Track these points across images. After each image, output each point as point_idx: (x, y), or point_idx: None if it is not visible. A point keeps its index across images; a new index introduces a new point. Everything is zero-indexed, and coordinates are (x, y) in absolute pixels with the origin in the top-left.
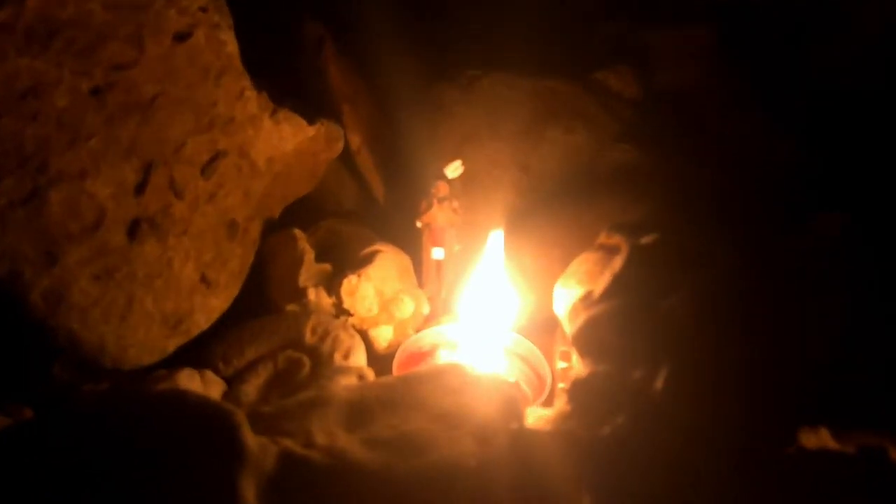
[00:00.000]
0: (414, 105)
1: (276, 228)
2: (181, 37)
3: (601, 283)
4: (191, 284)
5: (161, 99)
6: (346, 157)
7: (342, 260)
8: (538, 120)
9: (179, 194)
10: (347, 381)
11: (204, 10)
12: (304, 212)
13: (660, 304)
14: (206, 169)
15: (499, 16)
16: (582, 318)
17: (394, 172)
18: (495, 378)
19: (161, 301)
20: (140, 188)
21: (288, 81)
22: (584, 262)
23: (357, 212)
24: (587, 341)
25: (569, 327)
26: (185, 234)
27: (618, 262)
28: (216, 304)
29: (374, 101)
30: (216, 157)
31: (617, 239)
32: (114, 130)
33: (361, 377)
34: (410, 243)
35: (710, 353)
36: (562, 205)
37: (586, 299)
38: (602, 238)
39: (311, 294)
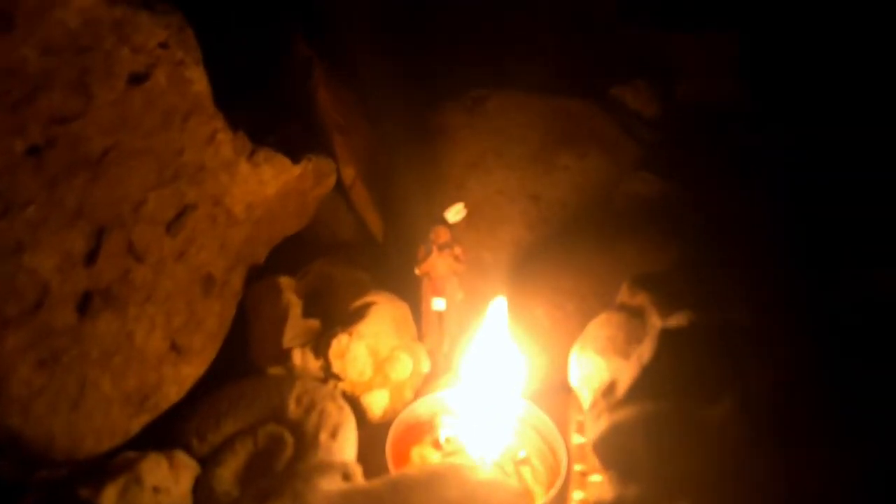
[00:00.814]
0: (414, 130)
1: (262, 272)
2: (137, 79)
3: (627, 374)
4: (158, 355)
5: (114, 153)
6: (342, 184)
7: (333, 310)
8: (549, 144)
9: (140, 257)
10: (330, 483)
11: (164, 46)
12: (295, 246)
13: (702, 415)
14: (173, 225)
15: (506, 28)
16: (605, 422)
17: (392, 205)
18: (501, 485)
19: (121, 380)
20: (91, 257)
21: (274, 110)
22: (605, 325)
23: (354, 244)
24: (612, 452)
25: (589, 425)
26: (150, 301)
27: (647, 351)
28: (189, 373)
29: (370, 126)
30: (184, 212)
31: (641, 298)
32: (56, 194)
33: (346, 476)
34: (411, 282)
35: (768, 488)
36: (576, 243)
37: (609, 394)
38: (623, 295)
39: (297, 356)
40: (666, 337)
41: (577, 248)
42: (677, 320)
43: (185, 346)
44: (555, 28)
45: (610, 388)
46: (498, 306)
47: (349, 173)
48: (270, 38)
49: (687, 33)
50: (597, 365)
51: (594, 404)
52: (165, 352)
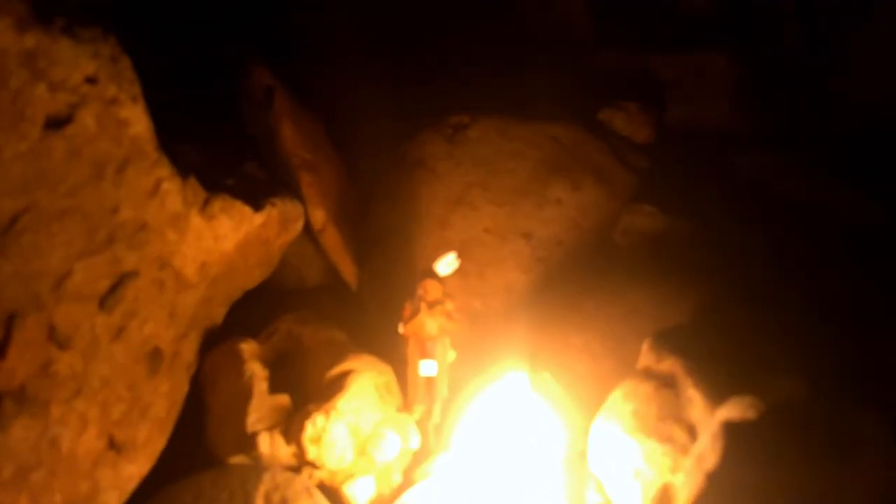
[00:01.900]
0: (390, 163)
1: (220, 332)
2: (58, 123)
3: (685, 480)
4: (93, 457)
5: (28, 217)
6: (310, 227)
7: (304, 379)
8: (539, 174)
9: (65, 344)
10: None
11: (92, 80)
12: (257, 295)
13: None
14: (108, 299)
15: (483, 54)
16: None
17: (367, 248)
18: None
19: (43, 497)
20: None
21: (231, 148)
22: (630, 397)
23: (324, 290)
24: None
25: None
26: (79, 395)
27: (709, 452)
28: (132, 472)
29: (342, 161)
30: (121, 282)
31: (670, 364)
32: None
33: None
34: (390, 334)
35: None
36: (579, 289)
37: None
38: (647, 358)
39: (264, 442)
40: (732, 434)
41: (582, 295)
42: (740, 410)
43: (127, 441)
44: (534, 53)
45: (665, 499)
46: (517, 382)
47: (319, 216)
48: (225, 67)
49: (674, 55)
50: (625, 447)
51: None
52: (101, 452)
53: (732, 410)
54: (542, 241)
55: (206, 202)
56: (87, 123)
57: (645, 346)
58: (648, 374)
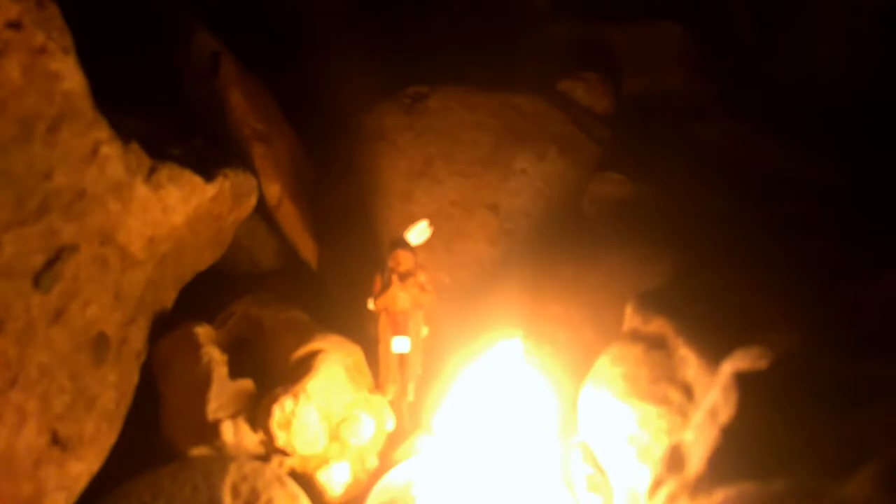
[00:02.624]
0: (348, 136)
1: (171, 320)
2: None
3: (699, 437)
4: (34, 455)
5: None
6: (260, 202)
7: (267, 363)
8: (503, 145)
9: None
10: None
11: (16, 26)
12: (208, 281)
13: (838, 496)
14: (43, 277)
15: (441, 23)
16: None
17: (326, 225)
18: None
19: None
20: None
21: (176, 117)
22: (619, 361)
23: (280, 273)
24: None
25: None
26: (15, 386)
27: (723, 406)
28: (81, 470)
29: (298, 134)
30: (59, 256)
31: (658, 324)
32: None
33: None
34: (357, 315)
35: None
36: (551, 259)
37: (678, 467)
38: (633, 320)
39: (228, 430)
40: (748, 385)
41: (555, 265)
42: (750, 361)
43: (73, 437)
44: (488, 22)
45: (675, 457)
46: (510, 348)
47: (274, 190)
48: (168, 29)
49: (630, 25)
50: (617, 412)
51: (657, 482)
52: (44, 449)
53: (742, 361)
54: (510, 212)
55: (152, 170)
56: (11, 74)
57: (629, 309)
58: (636, 337)
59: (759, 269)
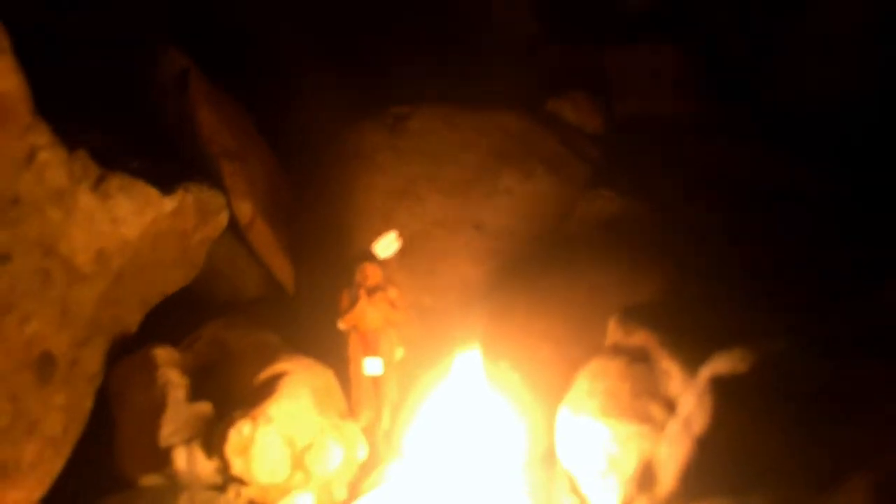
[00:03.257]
0: (328, 156)
1: (135, 344)
2: None
3: (672, 451)
4: None
5: None
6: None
7: (232, 386)
8: (488, 164)
9: None
10: None
11: None
12: (186, 309)
13: None
14: None
15: (426, 44)
16: None
17: (303, 247)
18: None
19: None
20: None
21: (140, 134)
22: (600, 376)
23: (263, 301)
24: None
25: None
26: None
27: (696, 415)
28: (18, 498)
29: (277, 153)
30: None
31: (641, 336)
32: None
33: None
34: (334, 341)
35: None
36: (537, 277)
37: (649, 483)
38: (615, 334)
39: (181, 457)
40: (723, 390)
41: (540, 283)
42: (729, 364)
43: (10, 462)
44: (478, 46)
45: (647, 474)
46: (468, 360)
47: (245, 209)
48: (139, 46)
49: (621, 47)
50: (596, 433)
51: (627, 502)
52: None
53: (720, 365)
54: (495, 231)
55: (101, 179)
56: None
57: (612, 323)
58: (617, 351)
59: (748, 280)
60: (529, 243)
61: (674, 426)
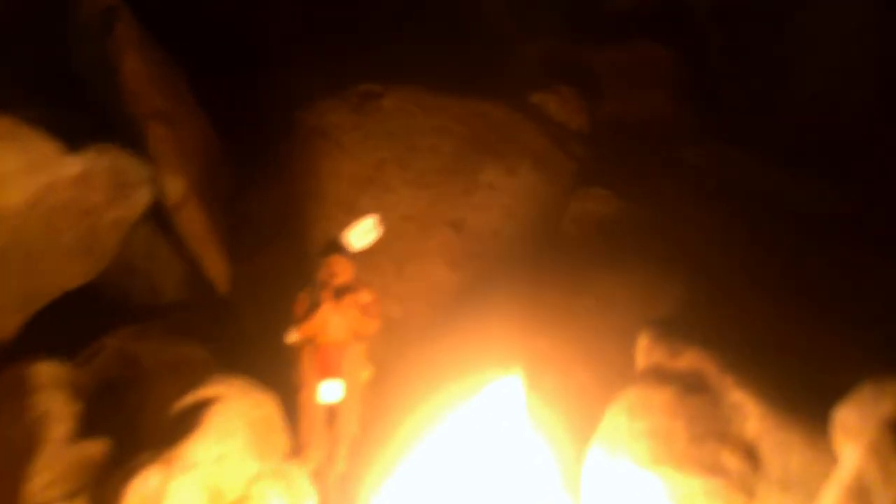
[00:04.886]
0: (284, 133)
1: (11, 354)
2: None
3: None
4: None
5: None
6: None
7: (140, 419)
8: (467, 155)
9: None
10: None
11: None
12: (87, 313)
13: None
14: None
15: (405, 30)
16: None
17: (244, 238)
18: None
19: None
20: None
21: (51, 88)
22: (641, 411)
23: (188, 306)
24: None
25: None
26: None
27: (882, 486)
28: None
29: (218, 130)
30: None
31: (692, 358)
32: None
33: None
34: (279, 358)
35: None
36: (530, 284)
37: None
38: (653, 354)
39: None
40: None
41: (534, 292)
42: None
43: None
44: (461, 36)
45: None
46: (507, 389)
47: (176, 185)
48: None
49: (609, 46)
50: (643, 485)
51: None
52: None
53: (882, 405)
54: (475, 231)
55: None
56: None
57: (645, 340)
58: (661, 377)
59: (771, 290)
60: (515, 245)
61: (830, 497)
